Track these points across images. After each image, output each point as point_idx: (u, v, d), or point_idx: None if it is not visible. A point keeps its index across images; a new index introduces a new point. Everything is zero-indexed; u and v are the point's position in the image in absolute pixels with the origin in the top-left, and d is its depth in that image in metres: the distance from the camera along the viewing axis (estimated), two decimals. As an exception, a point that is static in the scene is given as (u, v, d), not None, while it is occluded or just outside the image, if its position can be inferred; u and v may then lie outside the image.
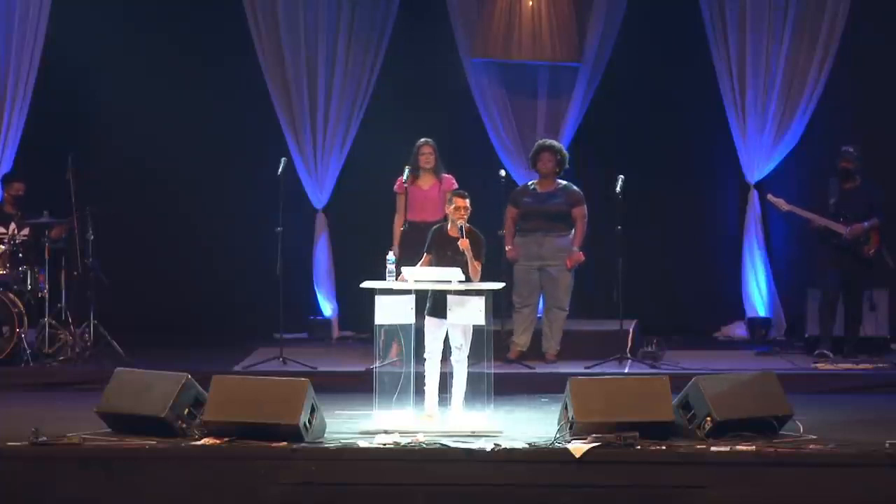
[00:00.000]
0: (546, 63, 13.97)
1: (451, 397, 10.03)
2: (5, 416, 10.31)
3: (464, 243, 9.97)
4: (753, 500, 8.76)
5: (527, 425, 9.89)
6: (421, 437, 9.25)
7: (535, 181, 12.60)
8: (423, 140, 12.35)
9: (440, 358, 10.06)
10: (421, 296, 9.94)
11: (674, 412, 9.35)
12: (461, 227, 10.00)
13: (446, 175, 12.38)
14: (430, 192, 12.27)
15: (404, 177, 12.10)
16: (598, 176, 13.21)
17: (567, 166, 12.57)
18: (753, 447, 8.96)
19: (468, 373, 9.98)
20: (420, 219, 12.16)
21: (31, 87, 13.86)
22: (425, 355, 10.01)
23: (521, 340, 12.45)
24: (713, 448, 8.97)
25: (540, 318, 12.64)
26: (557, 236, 12.39)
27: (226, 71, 14.45)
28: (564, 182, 12.56)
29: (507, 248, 12.36)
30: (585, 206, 12.45)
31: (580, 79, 14.02)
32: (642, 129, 14.23)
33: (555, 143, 12.72)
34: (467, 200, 10.09)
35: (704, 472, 8.80)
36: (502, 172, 12.66)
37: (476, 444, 9.07)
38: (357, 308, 12.27)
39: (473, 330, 9.87)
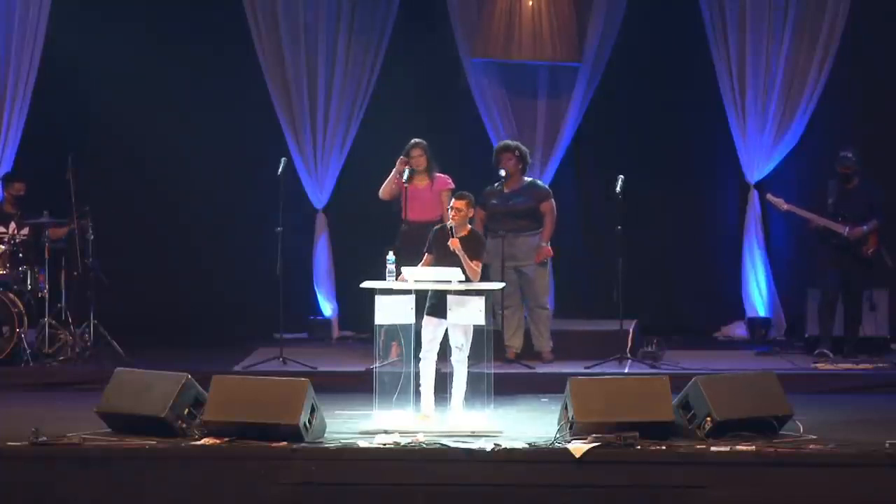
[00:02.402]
0: (546, 63, 13.96)
1: (451, 397, 10.04)
2: (5, 416, 10.32)
3: (454, 243, 10.00)
4: (753, 500, 8.76)
5: (527, 425, 9.90)
6: (421, 437, 9.26)
7: (502, 182, 12.55)
8: (413, 142, 12.36)
9: (436, 358, 10.08)
10: (420, 295, 9.96)
11: (674, 412, 9.35)
12: (450, 227, 10.04)
13: (440, 175, 12.39)
14: (423, 191, 12.26)
15: (404, 177, 12.10)
16: (598, 176, 13.23)
17: (529, 161, 12.62)
18: (753, 447, 8.96)
19: (468, 373, 9.99)
20: (414, 218, 12.19)
21: (31, 87, 13.86)
22: (421, 355, 10.03)
23: (514, 343, 12.44)
24: (713, 448, 8.98)
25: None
26: (528, 235, 12.39)
27: (226, 71, 14.45)
28: (531, 179, 12.59)
29: None
30: (553, 200, 12.46)
31: (580, 79, 14.02)
32: (642, 129, 14.23)
33: (511, 142, 12.74)
34: (462, 202, 10.12)
35: (704, 472, 8.81)
36: (502, 172, 12.66)
37: (476, 444, 9.07)
38: (357, 308, 12.28)
39: (473, 330, 9.88)
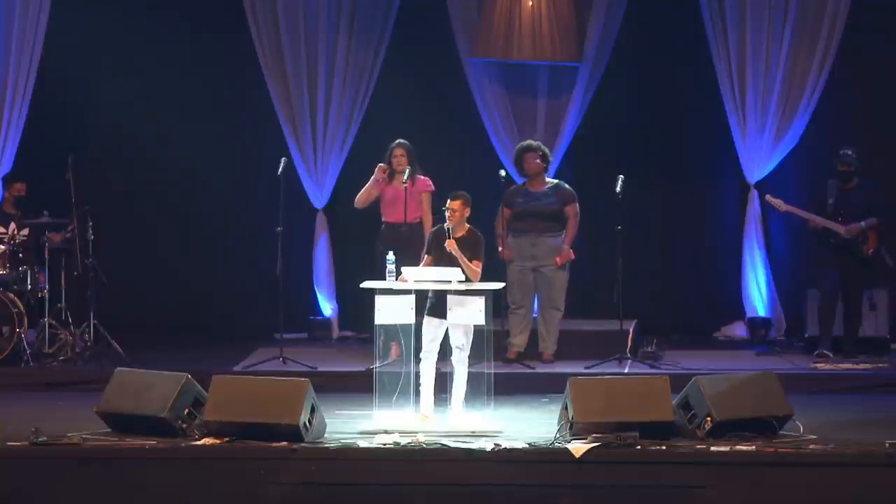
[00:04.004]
0: (546, 63, 13.96)
1: (451, 397, 10.04)
2: (5, 416, 10.31)
3: (450, 244, 10.00)
4: (753, 500, 8.77)
5: (527, 425, 9.90)
6: (421, 437, 9.26)
7: (526, 182, 12.61)
8: (395, 142, 12.41)
9: (436, 358, 10.08)
10: (421, 295, 9.96)
11: (674, 412, 9.35)
12: (448, 228, 10.04)
13: (421, 177, 12.40)
14: (402, 193, 12.25)
15: (404, 177, 12.10)
16: (598, 176, 13.21)
17: (551, 159, 12.65)
18: (753, 447, 8.97)
19: (468, 373, 9.99)
20: (393, 219, 12.22)
21: (31, 87, 13.84)
22: (421, 355, 10.03)
23: (518, 341, 12.45)
24: (713, 448, 8.98)
25: (535, 317, 12.64)
26: (551, 236, 12.40)
27: (226, 71, 14.45)
28: (556, 181, 12.62)
29: (500, 250, 12.33)
30: (577, 204, 12.48)
31: (580, 79, 14.01)
32: (642, 129, 14.23)
33: (533, 141, 12.77)
34: (457, 202, 10.10)
35: (704, 472, 8.82)
36: (502, 172, 12.66)
37: (476, 444, 9.08)
38: (357, 308, 12.29)
39: (473, 330, 9.88)
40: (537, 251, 12.40)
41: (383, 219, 12.43)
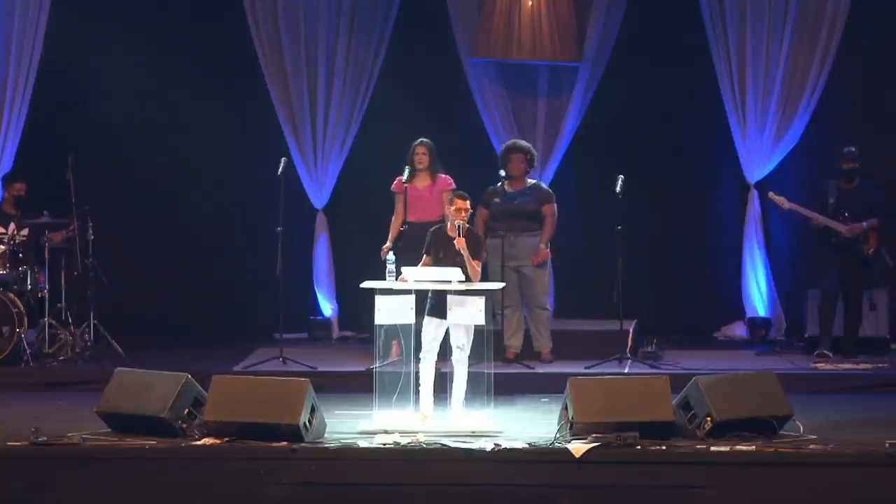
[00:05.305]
0: (546, 63, 13.96)
1: (451, 397, 10.04)
2: (5, 416, 10.31)
3: (459, 242, 10.00)
4: (753, 500, 8.77)
5: (527, 425, 9.90)
6: (421, 437, 9.26)
7: (503, 182, 12.56)
8: (418, 140, 12.34)
9: (436, 358, 10.08)
10: (421, 296, 9.96)
11: (674, 412, 9.35)
12: (459, 226, 10.03)
13: (442, 175, 12.37)
14: (424, 192, 12.25)
15: (405, 177, 12.10)
16: (598, 176, 13.21)
17: (536, 164, 12.61)
18: (753, 447, 8.97)
19: (468, 373, 9.99)
20: (415, 219, 12.18)
21: (31, 88, 13.85)
22: (421, 355, 10.03)
23: (514, 343, 12.44)
24: (713, 448, 8.98)
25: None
26: (530, 235, 12.39)
27: (226, 71, 14.44)
28: (533, 181, 12.61)
29: None
30: (555, 204, 12.47)
31: (580, 79, 14.02)
32: (642, 129, 14.23)
33: (521, 142, 12.74)
34: (468, 202, 10.14)
35: (704, 472, 8.81)
36: (502, 172, 12.65)
37: (476, 444, 9.08)
38: (357, 308, 12.28)
39: (474, 330, 9.89)
40: (517, 251, 12.38)
41: (404, 217, 12.37)
